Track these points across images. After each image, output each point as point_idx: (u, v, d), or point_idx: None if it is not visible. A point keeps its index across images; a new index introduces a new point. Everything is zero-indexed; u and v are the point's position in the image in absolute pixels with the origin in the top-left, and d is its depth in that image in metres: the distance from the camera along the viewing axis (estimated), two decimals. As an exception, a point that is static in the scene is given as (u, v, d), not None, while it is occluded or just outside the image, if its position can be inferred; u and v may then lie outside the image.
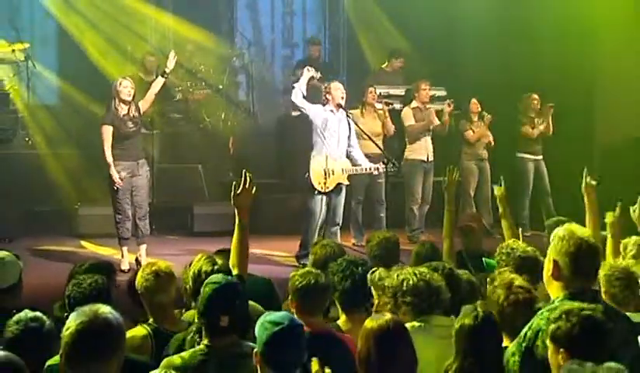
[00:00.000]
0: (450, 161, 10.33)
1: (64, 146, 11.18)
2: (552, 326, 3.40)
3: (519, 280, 4.30)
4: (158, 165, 10.99)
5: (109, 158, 8.56)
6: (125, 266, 8.31)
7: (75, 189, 10.42)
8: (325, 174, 8.78)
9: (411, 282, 4.27)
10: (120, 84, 8.80)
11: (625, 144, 11.21)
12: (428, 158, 10.35)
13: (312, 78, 9.41)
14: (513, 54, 11.90)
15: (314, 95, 9.76)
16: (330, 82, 9.52)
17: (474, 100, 10.99)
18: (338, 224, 8.88)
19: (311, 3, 14.75)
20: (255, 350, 3.36)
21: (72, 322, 3.03)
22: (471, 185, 10.87)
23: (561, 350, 3.30)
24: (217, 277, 4.13)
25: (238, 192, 4.76)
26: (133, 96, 8.89)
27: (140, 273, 4.74)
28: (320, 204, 8.73)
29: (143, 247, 8.49)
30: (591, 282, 3.98)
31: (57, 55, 12.65)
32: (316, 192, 8.81)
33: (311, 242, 8.35)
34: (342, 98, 9.05)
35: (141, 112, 8.99)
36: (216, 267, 4.72)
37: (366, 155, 9.58)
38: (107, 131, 8.58)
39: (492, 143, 11.05)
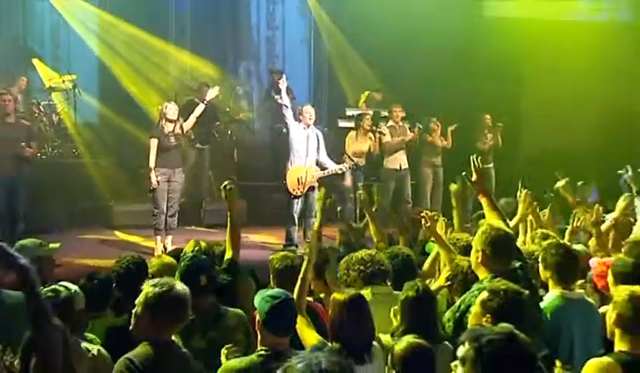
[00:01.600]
0: (412, 168, 10.53)
1: (103, 156, 11.02)
2: (486, 296, 3.36)
3: None
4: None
5: (152, 164, 8.30)
6: (158, 252, 7.88)
7: (111, 190, 10.26)
8: (299, 182, 8.64)
9: (359, 256, 4.38)
10: (166, 107, 8.57)
11: (544, 153, 11.04)
12: (400, 167, 10.04)
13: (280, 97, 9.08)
14: (460, 85, 11.59)
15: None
16: (302, 106, 9.33)
17: (435, 120, 10.68)
18: (314, 217, 8.44)
19: (297, 49, 14.31)
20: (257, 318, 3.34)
21: (159, 289, 3.07)
22: (427, 187, 10.60)
23: (488, 316, 3.26)
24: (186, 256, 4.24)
25: (225, 194, 4.75)
26: (178, 117, 8.57)
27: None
28: (296, 205, 8.59)
29: (169, 238, 8.28)
30: (509, 264, 4.01)
31: (98, 84, 12.45)
32: (292, 196, 8.65)
33: (293, 234, 8.36)
34: (311, 119, 8.82)
35: (184, 131, 8.72)
36: (196, 248, 4.73)
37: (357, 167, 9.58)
38: (153, 143, 8.38)
39: (450, 145, 10.72)
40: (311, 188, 8.62)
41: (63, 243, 6.33)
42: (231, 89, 12.44)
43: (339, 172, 8.99)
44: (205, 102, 9.01)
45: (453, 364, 2.31)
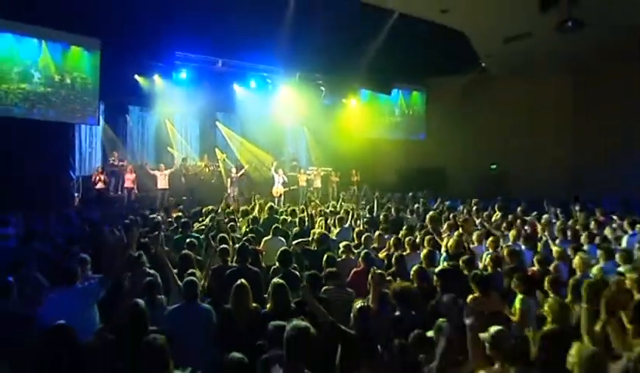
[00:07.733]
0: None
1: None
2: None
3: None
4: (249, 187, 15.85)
5: (228, 185, 13.96)
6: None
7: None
8: (277, 193, 13.77)
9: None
10: (233, 168, 14.67)
11: (377, 184, 15.30)
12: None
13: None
14: (347, 161, 17.00)
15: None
16: (279, 169, 14.42)
17: (333, 173, 16.46)
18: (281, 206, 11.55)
19: (303, 147, 19.04)
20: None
21: None
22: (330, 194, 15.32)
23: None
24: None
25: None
26: (239, 173, 14.38)
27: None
28: (276, 202, 12.81)
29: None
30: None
31: (233, 157, 17.17)
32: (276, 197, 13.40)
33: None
34: (281, 173, 13.85)
35: (238, 176, 14.22)
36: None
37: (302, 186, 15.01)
38: (227, 181, 14.14)
39: (338, 180, 16.15)
40: (280, 195, 14.11)
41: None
42: (276, 159, 16.83)
43: (291, 188, 14.57)
44: (244, 170, 14.58)
45: None
